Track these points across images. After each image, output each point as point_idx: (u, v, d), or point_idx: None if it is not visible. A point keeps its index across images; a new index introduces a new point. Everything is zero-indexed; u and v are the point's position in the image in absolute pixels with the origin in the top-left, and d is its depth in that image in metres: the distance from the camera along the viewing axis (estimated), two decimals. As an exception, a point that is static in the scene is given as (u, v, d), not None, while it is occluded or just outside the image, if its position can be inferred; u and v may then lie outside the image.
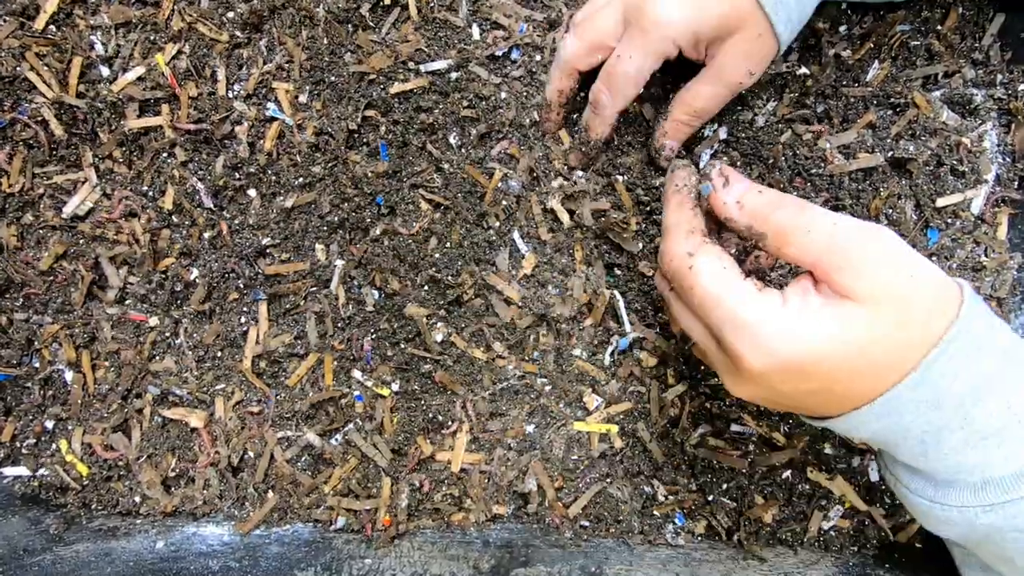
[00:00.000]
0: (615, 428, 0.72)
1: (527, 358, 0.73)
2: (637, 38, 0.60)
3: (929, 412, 0.46)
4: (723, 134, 0.70)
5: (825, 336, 0.44)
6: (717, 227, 0.54)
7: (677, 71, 0.65)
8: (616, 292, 0.72)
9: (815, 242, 0.46)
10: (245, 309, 0.73)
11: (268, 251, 0.73)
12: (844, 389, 0.46)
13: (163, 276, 0.73)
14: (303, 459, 0.73)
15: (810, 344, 0.45)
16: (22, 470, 0.74)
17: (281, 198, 0.72)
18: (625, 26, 0.61)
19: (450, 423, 0.72)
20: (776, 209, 0.48)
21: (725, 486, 0.72)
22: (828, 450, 0.71)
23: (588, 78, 0.66)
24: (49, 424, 0.74)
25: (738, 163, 0.70)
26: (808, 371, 0.45)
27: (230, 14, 0.72)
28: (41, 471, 0.74)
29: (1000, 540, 0.48)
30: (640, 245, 0.70)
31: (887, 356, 0.44)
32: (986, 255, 0.71)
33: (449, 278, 0.71)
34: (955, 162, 0.69)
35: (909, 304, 0.44)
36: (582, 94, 0.68)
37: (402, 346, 0.72)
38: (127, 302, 0.74)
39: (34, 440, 0.74)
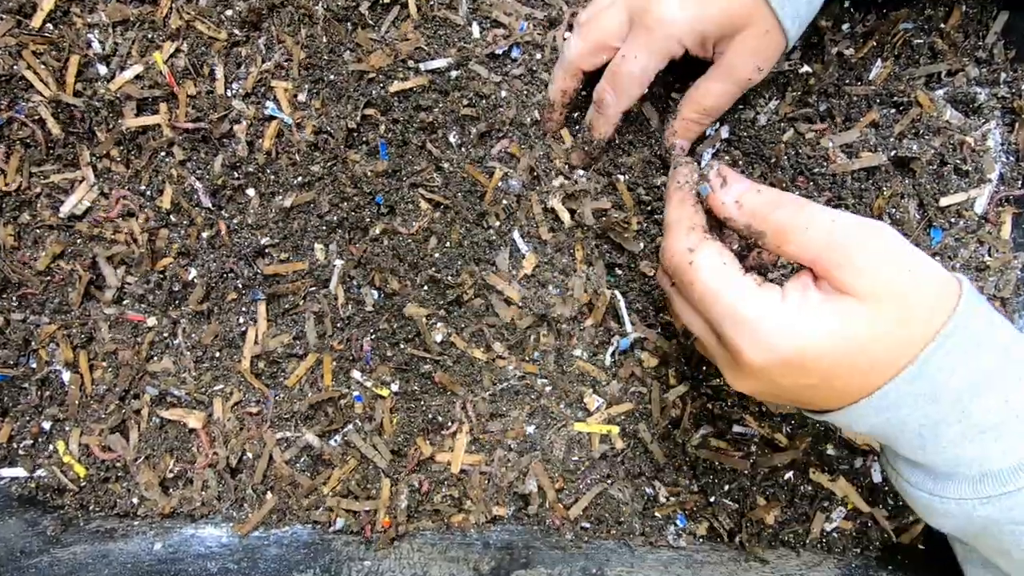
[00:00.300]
0: (616, 429, 0.71)
1: (527, 358, 0.72)
2: (642, 38, 0.60)
3: (926, 406, 0.46)
4: (725, 133, 0.69)
5: (825, 332, 0.45)
6: (719, 224, 0.54)
7: (679, 69, 0.65)
8: (617, 292, 0.71)
9: (814, 239, 0.46)
10: (244, 309, 0.73)
11: (267, 251, 0.72)
12: (843, 384, 0.46)
13: (161, 276, 0.72)
14: (302, 460, 0.72)
15: (810, 339, 0.45)
16: (19, 471, 0.73)
17: (280, 197, 0.71)
18: (630, 26, 0.61)
19: (450, 424, 0.72)
20: (775, 208, 0.48)
21: (727, 487, 0.71)
22: (831, 451, 0.71)
23: (591, 77, 0.66)
24: (46, 425, 0.73)
25: (740, 162, 0.70)
26: (807, 366, 0.46)
27: (228, 12, 0.71)
28: (38, 472, 0.73)
29: (997, 533, 0.48)
30: (641, 245, 0.69)
31: (887, 352, 0.45)
32: (990, 255, 0.70)
33: (449, 278, 0.70)
34: (959, 161, 0.69)
35: (909, 301, 0.44)
36: (584, 92, 0.68)
37: (402, 346, 0.72)
38: (125, 302, 0.73)
39: (31, 441, 0.74)
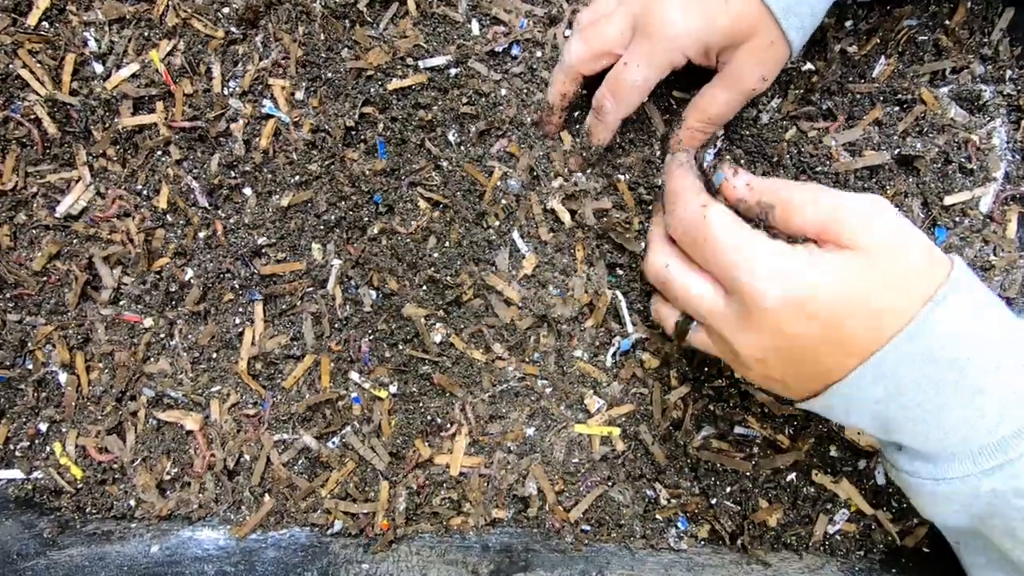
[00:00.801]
0: (616, 431, 0.71)
1: (527, 359, 0.71)
2: (645, 47, 0.60)
3: (925, 366, 0.48)
4: (721, 131, 0.69)
5: (831, 276, 0.48)
6: None
7: (683, 68, 0.64)
8: (618, 292, 0.70)
9: (820, 211, 0.50)
10: (240, 310, 0.72)
11: (264, 251, 0.72)
12: (847, 336, 0.49)
13: (157, 276, 0.72)
14: (300, 462, 0.72)
15: (818, 282, 0.48)
16: (16, 473, 0.73)
17: (277, 197, 0.71)
18: (633, 33, 0.61)
19: (449, 426, 0.71)
20: (783, 186, 0.53)
21: (729, 489, 0.70)
22: (833, 453, 0.70)
23: (592, 78, 0.65)
24: (43, 426, 0.73)
25: (742, 161, 0.69)
26: (814, 310, 0.48)
27: (225, 10, 0.71)
28: (35, 474, 0.73)
29: (1003, 509, 0.49)
30: (642, 245, 0.69)
31: (888, 305, 0.48)
32: (995, 254, 0.70)
33: (448, 278, 0.70)
34: (963, 159, 0.68)
35: (908, 259, 0.48)
36: (584, 91, 0.67)
37: (400, 347, 0.71)
38: (121, 303, 0.73)
39: (28, 443, 0.73)
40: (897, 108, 0.70)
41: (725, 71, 0.61)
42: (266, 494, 0.71)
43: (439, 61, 0.70)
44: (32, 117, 0.71)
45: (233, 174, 0.71)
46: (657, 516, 0.71)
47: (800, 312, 0.49)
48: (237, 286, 0.72)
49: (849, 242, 0.48)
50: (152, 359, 0.73)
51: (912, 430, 0.50)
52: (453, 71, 0.70)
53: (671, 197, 0.57)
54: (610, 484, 0.71)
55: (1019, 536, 0.50)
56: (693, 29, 0.58)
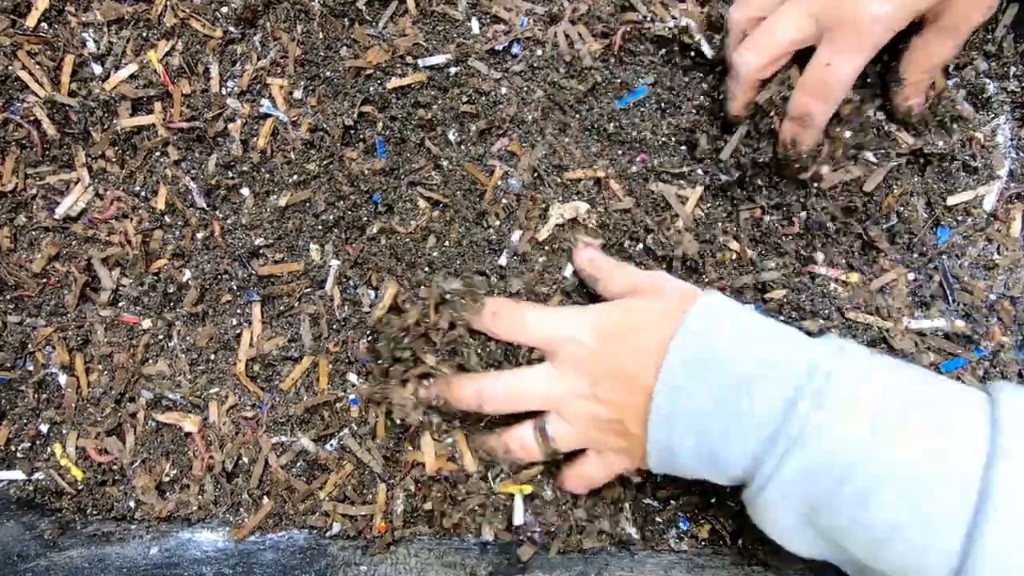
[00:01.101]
0: (528, 488, 0.68)
1: (523, 361, 0.71)
2: (852, 40, 0.58)
3: (697, 372, 0.53)
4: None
5: (616, 308, 0.61)
6: None
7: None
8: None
9: (626, 280, 0.63)
10: (238, 311, 0.72)
11: (261, 251, 0.71)
12: (640, 346, 0.57)
13: (155, 278, 0.72)
14: (298, 464, 0.71)
15: (608, 310, 0.61)
16: (17, 474, 0.73)
17: (275, 197, 0.71)
18: (820, 28, 0.59)
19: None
20: (609, 265, 0.65)
21: (728, 488, 0.70)
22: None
23: None
24: (43, 428, 0.73)
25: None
26: (608, 330, 0.59)
27: (224, 9, 0.71)
28: (36, 475, 0.73)
29: (818, 495, 0.49)
30: (640, 246, 0.68)
31: (660, 319, 0.57)
32: (999, 252, 0.69)
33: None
34: (967, 157, 0.68)
35: (670, 293, 0.60)
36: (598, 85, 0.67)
37: (399, 348, 0.71)
38: (120, 304, 0.73)
39: (29, 444, 0.73)
40: (899, 105, 0.69)
41: (941, 22, 0.60)
42: (264, 496, 0.71)
43: (439, 60, 0.70)
44: (31, 119, 0.71)
45: (231, 174, 0.71)
46: (657, 518, 0.70)
47: (600, 333, 0.59)
48: (235, 287, 0.71)
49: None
50: (151, 361, 0.73)
51: (723, 453, 0.53)
52: (453, 70, 0.70)
53: (495, 311, 0.64)
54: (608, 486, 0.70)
55: (840, 524, 0.49)
56: (900, 4, 0.56)
